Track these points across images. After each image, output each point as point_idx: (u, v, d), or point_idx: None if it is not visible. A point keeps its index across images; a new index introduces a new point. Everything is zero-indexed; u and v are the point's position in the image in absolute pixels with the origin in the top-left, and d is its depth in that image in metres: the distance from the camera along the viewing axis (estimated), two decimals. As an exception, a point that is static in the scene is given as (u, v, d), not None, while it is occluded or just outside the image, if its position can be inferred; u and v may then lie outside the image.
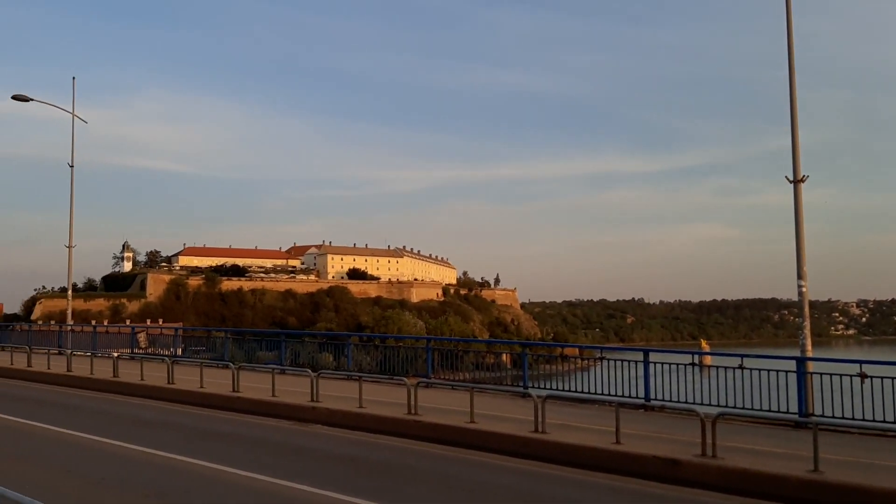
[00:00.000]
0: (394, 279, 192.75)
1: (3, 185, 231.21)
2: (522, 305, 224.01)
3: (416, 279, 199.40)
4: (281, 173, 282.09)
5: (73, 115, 33.15)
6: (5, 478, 9.69)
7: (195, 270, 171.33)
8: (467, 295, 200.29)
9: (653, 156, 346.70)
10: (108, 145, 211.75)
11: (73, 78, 33.98)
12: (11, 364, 26.71)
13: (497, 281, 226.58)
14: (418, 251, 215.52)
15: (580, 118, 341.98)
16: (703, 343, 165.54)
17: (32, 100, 32.56)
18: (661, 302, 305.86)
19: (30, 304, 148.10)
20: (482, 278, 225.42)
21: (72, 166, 33.04)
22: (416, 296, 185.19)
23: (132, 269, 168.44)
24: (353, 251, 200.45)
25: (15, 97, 31.78)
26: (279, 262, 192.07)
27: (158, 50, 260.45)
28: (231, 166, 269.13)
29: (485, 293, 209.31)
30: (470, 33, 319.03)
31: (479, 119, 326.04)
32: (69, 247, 33.05)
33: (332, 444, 13.82)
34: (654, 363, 16.71)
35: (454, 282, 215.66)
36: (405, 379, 15.86)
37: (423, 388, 15.70)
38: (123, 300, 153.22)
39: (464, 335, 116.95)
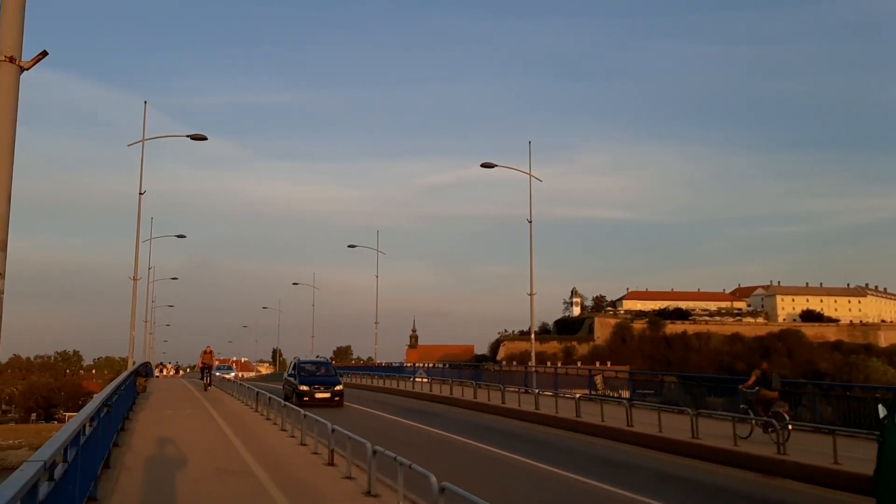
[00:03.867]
0: (856, 321, 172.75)
1: (473, 241, 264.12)
2: None
3: (883, 321, 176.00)
4: (722, 213, 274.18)
5: (530, 175, 36.78)
6: (480, 495, 11.00)
7: (639, 314, 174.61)
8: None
9: None
10: (557, 199, 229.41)
11: (529, 142, 37.82)
12: (488, 400, 30.19)
13: None
14: (884, 289, 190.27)
15: None
16: None
17: (497, 166, 36.95)
18: None
19: (495, 346, 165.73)
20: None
21: (530, 222, 36.57)
22: (884, 339, 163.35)
23: (580, 314, 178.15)
24: (806, 291, 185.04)
25: (483, 165, 36.46)
26: (723, 304, 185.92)
27: (595, 105, 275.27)
28: (671, 210, 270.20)
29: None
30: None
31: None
32: (531, 294, 36.43)
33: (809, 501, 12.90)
34: None
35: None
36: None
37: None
38: (574, 343, 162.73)
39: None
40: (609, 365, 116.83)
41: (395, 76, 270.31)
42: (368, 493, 11.52)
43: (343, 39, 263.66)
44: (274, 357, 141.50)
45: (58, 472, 6.63)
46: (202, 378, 39.89)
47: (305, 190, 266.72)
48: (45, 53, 5.95)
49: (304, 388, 31.16)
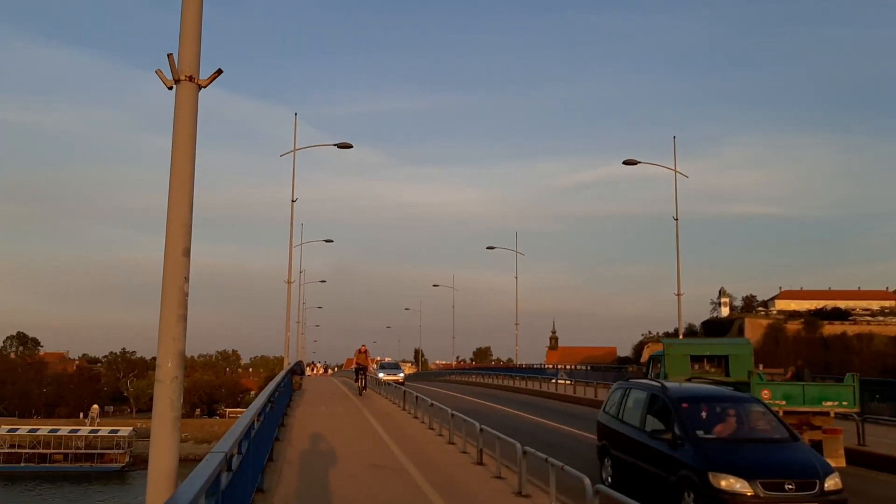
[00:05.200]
0: None
1: (613, 240, 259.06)
2: None
3: None
4: (885, 206, 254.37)
5: (675, 171, 35.65)
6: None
7: (792, 314, 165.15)
8: None
9: None
10: (702, 195, 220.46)
11: (674, 137, 36.67)
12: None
13: None
14: None
15: None
16: None
17: (639, 162, 36.05)
18: None
19: (639, 348, 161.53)
20: None
21: (676, 219, 35.42)
22: None
23: (729, 315, 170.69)
24: None
25: (626, 162, 35.68)
26: (887, 303, 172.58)
27: (741, 95, 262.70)
28: (827, 203, 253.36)
29: None
30: None
31: None
32: (678, 294, 35.26)
33: None
34: None
35: None
36: None
37: None
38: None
39: None
40: (761, 368, 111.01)
41: (529, 76, 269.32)
42: (519, 494, 11.56)
43: (476, 43, 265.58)
44: (416, 357, 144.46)
45: (234, 463, 7.07)
46: (356, 380, 36.54)
47: (444, 193, 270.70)
48: (219, 71, 6.38)
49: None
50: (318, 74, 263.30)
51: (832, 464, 13.34)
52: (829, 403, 15.68)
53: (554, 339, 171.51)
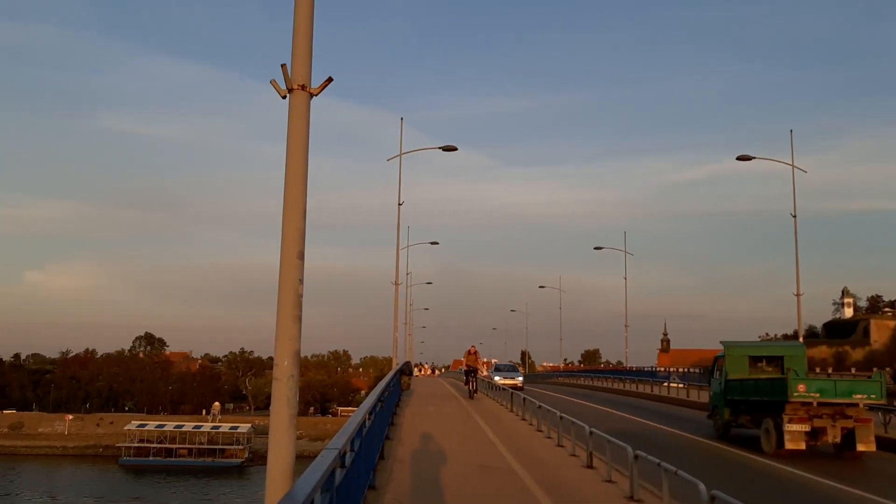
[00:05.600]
0: None
1: (726, 239, 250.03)
2: None
3: None
4: None
5: (793, 166, 34.08)
6: None
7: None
8: None
9: None
10: (822, 191, 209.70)
11: (791, 131, 34.98)
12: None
13: None
14: None
15: None
16: None
17: (754, 158, 34.67)
18: None
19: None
20: None
21: (794, 216, 33.85)
22: None
23: (853, 316, 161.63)
24: None
25: (740, 158, 34.40)
26: None
27: (861, 87, 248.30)
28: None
29: None
30: None
31: None
32: (797, 295, 33.69)
33: None
34: None
35: None
36: None
37: None
38: (846, 347, 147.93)
39: None
40: (888, 370, 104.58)
41: (634, 73, 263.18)
42: (631, 498, 11.34)
43: (581, 40, 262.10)
44: (523, 359, 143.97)
45: (347, 460, 7.27)
46: (466, 383, 33.99)
47: (549, 193, 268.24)
48: (330, 80, 6.58)
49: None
50: (422, 79, 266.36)
51: (863, 448, 17.71)
52: (859, 396, 17.80)
53: (665, 342, 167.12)
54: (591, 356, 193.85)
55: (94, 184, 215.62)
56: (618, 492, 11.91)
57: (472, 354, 33.44)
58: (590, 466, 14.26)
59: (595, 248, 62.57)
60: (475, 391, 32.88)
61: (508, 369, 44.79)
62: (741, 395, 20.71)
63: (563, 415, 17.67)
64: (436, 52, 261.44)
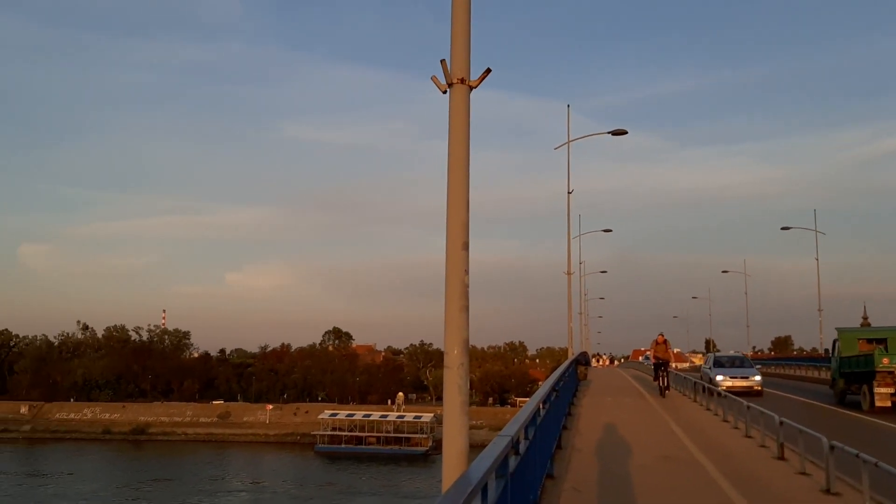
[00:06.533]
0: None
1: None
2: None
3: None
4: None
5: None
6: None
7: None
8: None
9: None
10: None
11: None
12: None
13: None
14: None
15: None
16: None
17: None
18: None
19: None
20: None
21: None
22: None
23: None
24: None
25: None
26: None
27: None
28: None
29: None
30: None
31: None
32: None
33: None
34: None
35: None
36: None
37: None
38: None
39: None
40: None
41: (813, 43, 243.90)
42: (827, 492, 10.62)
43: (750, 11, 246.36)
44: (707, 348, 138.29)
45: (521, 448, 7.32)
46: (655, 378, 28.90)
47: (727, 174, 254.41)
48: (488, 71, 6.63)
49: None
50: (586, 64, 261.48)
51: None
52: None
53: (866, 326, 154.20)
54: (781, 343, 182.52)
55: (284, 190, 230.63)
56: (812, 485, 11.18)
57: (660, 344, 28.03)
58: (781, 458, 13.48)
59: (782, 229, 58.83)
60: (667, 388, 27.69)
61: (737, 363, 32.70)
62: (848, 369, 26.02)
63: (750, 404, 16.84)
64: (599, 37, 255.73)
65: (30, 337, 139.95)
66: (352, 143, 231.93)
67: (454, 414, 6.18)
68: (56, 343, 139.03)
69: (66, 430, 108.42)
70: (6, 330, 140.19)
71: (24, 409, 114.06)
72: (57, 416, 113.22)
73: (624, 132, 35.50)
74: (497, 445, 5.72)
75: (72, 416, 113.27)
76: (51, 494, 68.49)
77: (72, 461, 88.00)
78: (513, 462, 6.50)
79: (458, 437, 6.16)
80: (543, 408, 10.73)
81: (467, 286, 6.42)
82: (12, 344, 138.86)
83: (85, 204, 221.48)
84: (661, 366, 27.99)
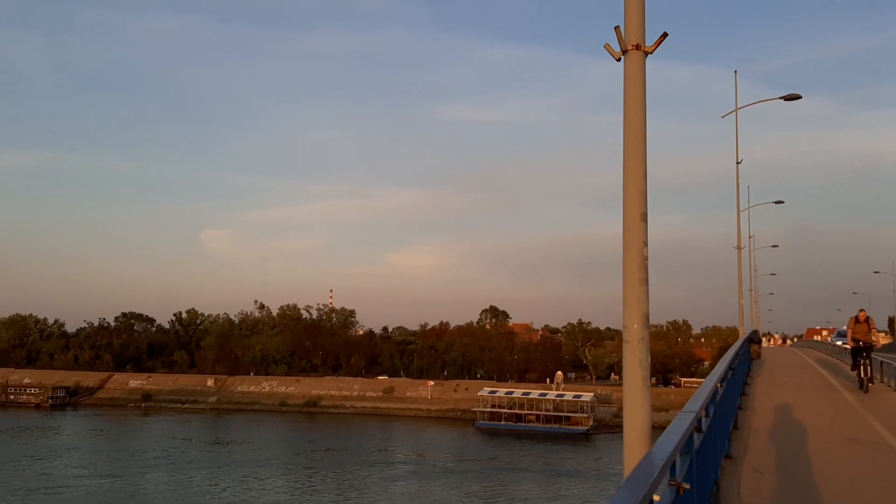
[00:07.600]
0: None
1: None
2: None
3: None
4: None
5: None
6: None
7: None
8: None
9: None
10: None
11: None
12: None
13: None
14: None
15: None
16: None
17: None
18: None
19: None
20: None
21: None
22: None
23: None
24: None
25: None
26: None
27: None
28: None
29: None
30: None
31: None
32: None
33: None
34: None
35: None
36: None
37: None
38: None
39: None
40: None
41: None
42: None
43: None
44: (891, 327, 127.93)
45: (704, 424, 7.08)
46: (854, 367, 21.25)
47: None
48: (665, 35, 6.39)
49: None
50: (753, 28, 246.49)
51: None
52: None
53: None
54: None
55: (442, 171, 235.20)
56: None
57: (861, 322, 21.02)
58: None
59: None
60: (870, 380, 20.57)
61: None
62: None
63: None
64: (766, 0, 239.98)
65: (213, 315, 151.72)
66: (507, 121, 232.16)
67: (635, 389, 6.06)
68: (236, 321, 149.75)
69: (248, 402, 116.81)
70: (192, 309, 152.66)
71: (210, 382, 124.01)
72: (239, 388, 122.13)
73: (798, 97, 33.25)
74: (682, 422, 5.57)
75: (252, 388, 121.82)
76: (231, 461, 73.99)
77: (252, 430, 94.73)
78: (696, 440, 6.29)
79: (640, 413, 6.05)
80: (721, 386, 10.32)
81: (646, 258, 6.26)
82: (199, 322, 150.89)
83: (259, 191, 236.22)
84: (861, 350, 20.79)
